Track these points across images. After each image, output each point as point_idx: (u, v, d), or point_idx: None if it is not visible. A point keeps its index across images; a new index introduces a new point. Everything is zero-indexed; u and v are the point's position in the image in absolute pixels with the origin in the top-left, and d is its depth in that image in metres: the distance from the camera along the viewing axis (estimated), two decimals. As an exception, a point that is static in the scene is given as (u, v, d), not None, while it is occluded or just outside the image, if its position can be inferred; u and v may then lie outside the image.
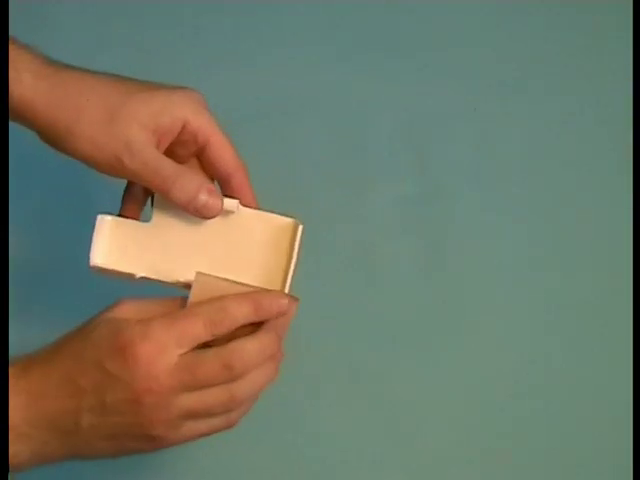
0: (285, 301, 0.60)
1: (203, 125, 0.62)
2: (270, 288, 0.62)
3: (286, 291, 0.63)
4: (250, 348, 0.58)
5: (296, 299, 0.61)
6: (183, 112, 0.61)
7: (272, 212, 0.65)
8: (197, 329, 0.57)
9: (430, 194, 0.94)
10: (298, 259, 0.63)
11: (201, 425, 0.59)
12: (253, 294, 0.59)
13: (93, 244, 0.63)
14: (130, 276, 0.63)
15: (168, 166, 0.61)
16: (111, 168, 0.61)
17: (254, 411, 0.88)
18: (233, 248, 0.64)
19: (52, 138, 0.61)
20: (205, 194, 0.61)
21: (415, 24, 1.00)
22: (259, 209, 0.65)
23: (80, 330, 0.58)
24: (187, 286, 0.61)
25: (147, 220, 0.65)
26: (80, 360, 0.56)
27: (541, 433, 0.87)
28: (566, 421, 0.88)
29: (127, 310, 0.58)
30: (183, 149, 0.63)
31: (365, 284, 0.91)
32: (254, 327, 0.59)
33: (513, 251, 0.92)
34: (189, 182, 0.61)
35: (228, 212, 0.64)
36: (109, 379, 0.55)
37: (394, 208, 0.93)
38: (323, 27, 1.00)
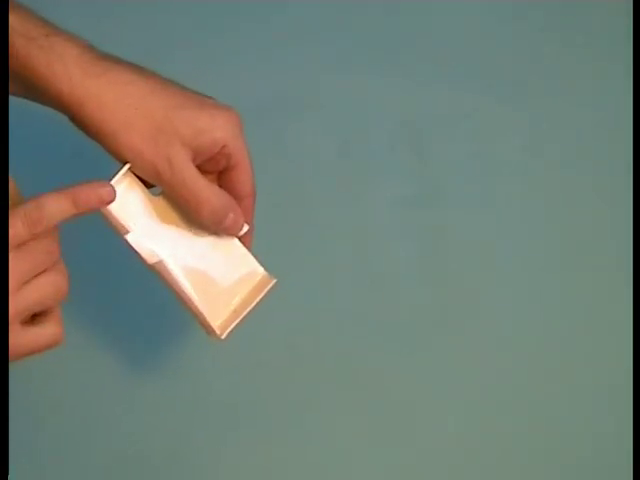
0: (106, 189, 0.60)
1: (238, 149, 0.65)
2: (211, 319, 0.65)
3: (224, 335, 0.65)
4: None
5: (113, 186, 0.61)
6: (224, 135, 0.64)
7: (255, 257, 0.68)
8: (16, 229, 0.57)
9: (430, 194, 0.94)
10: (253, 309, 0.66)
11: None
12: (72, 188, 0.59)
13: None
14: (122, 230, 0.64)
15: (204, 188, 0.64)
16: (149, 177, 0.64)
17: (254, 410, 0.88)
18: (207, 264, 0.66)
19: (94, 136, 0.63)
20: (232, 219, 0.65)
21: (415, 25, 1.00)
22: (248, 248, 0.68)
23: None
24: (151, 267, 0.64)
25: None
26: None
27: (541, 433, 0.87)
28: (566, 421, 0.88)
29: None
30: (213, 165, 0.66)
31: (364, 284, 0.91)
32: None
33: (512, 251, 0.92)
34: (220, 208, 0.64)
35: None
36: None
37: (393, 208, 0.93)
38: (323, 27, 1.00)
